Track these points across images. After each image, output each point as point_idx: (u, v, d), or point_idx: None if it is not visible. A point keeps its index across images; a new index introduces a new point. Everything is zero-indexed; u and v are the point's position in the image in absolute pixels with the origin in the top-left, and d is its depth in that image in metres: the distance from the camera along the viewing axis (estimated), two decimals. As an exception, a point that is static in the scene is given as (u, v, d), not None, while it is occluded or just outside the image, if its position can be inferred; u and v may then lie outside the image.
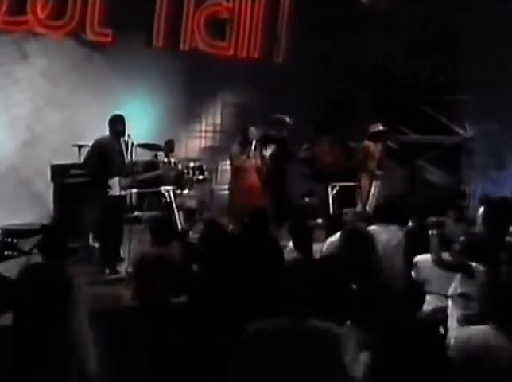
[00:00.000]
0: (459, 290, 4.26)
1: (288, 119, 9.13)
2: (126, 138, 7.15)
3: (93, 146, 7.12)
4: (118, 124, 7.11)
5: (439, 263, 4.61)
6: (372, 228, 5.43)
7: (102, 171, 6.99)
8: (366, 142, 9.03)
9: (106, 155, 6.99)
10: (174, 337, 4.10)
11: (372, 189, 8.73)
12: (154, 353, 4.18)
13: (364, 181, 8.91)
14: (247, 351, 2.92)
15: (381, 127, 9.04)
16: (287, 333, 2.90)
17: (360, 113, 10.69)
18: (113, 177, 7.00)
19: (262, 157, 8.46)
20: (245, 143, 8.20)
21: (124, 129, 7.12)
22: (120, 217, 7.23)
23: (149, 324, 4.33)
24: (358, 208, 8.73)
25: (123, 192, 7.16)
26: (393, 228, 5.54)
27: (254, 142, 8.29)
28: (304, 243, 5.05)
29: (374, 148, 9.00)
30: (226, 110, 11.07)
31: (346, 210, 7.66)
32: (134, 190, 7.82)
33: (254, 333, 2.94)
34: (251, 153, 8.26)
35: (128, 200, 7.49)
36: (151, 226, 5.49)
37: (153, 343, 4.28)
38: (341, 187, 9.11)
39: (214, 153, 10.65)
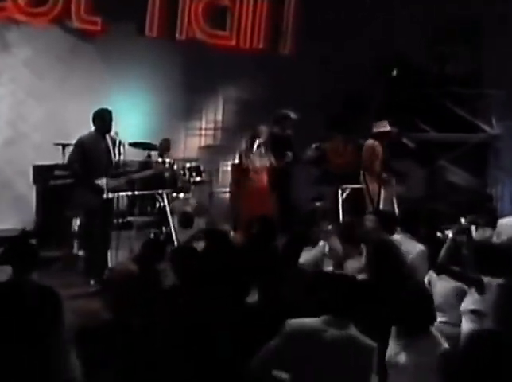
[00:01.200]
0: (471, 307, 4.37)
1: (292, 115, 9.17)
2: (113, 134, 7.19)
3: (75, 145, 7.15)
4: (103, 119, 7.11)
5: (442, 268, 4.62)
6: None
7: (86, 172, 7.01)
8: (371, 141, 9.01)
9: (90, 154, 7.01)
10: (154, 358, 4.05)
11: (382, 193, 8.73)
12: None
13: (372, 185, 8.88)
14: (285, 344, 3.39)
15: (388, 128, 9.01)
16: (326, 335, 3.36)
17: (375, 109, 10.75)
18: (99, 177, 7.04)
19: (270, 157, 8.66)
20: (253, 142, 8.40)
21: (110, 125, 7.12)
22: (107, 222, 7.25)
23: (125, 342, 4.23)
24: (369, 214, 8.54)
25: (111, 195, 7.16)
26: (410, 237, 5.65)
27: (258, 142, 8.46)
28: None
29: (379, 148, 8.97)
30: (228, 106, 11.09)
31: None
32: (124, 193, 7.85)
33: (294, 328, 3.42)
34: (261, 154, 8.42)
35: (117, 204, 7.49)
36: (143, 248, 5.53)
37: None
38: (351, 190, 9.15)
39: (214, 152, 10.66)
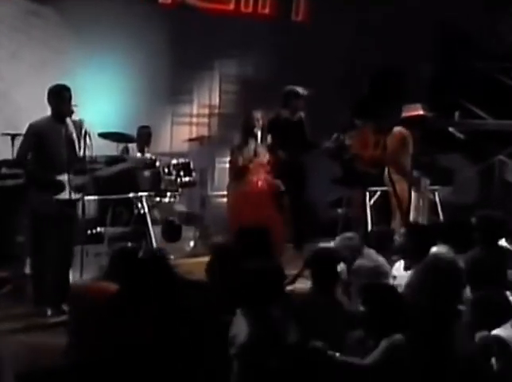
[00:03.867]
0: None
1: (301, 91, 9.12)
2: (78, 120, 7.12)
3: (26, 134, 7.06)
4: (60, 99, 6.97)
5: None
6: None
7: (40, 167, 6.95)
8: (399, 129, 8.96)
9: (45, 145, 6.94)
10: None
11: (413, 197, 8.69)
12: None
13: (401, 185, 8.79)
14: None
15: (420, 111, 9.00)
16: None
17: (415, 90, 10.64)
18: (58, 174, 6.96)
19: (272, 151, 8.56)
20: (248, 133, 8.34)
21: (69, 106, 6.99)
22: (69, 233, 7.16)
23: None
24: (395, 224, 8.68)
25: (74, 196, 7.06)
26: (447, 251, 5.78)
27: (259, 132, 8.38)
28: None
29: (410, 138, 8.90)
30: (226, 86, 11.13)
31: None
32: (92, 197, 7.87)
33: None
34: (258, 148, 8.36)
35: (83, 210, 7.38)
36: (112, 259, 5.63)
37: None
38: (382, 193, 9.23)
39: (208, 146, 10.52)
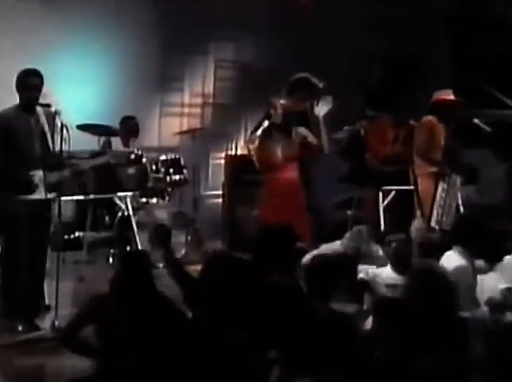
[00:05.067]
0: None
1: (316, 81, 8.96)
2: (53, 111, 6.97)
3: None
4: (29, 85, 6.89)
5: None
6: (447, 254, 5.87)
7: (7, 162, 6.86)
8: (429, 118, 8.79)
9: (13, 136, 6.87)
10: None
11: (438, 195, 8.54)
12: None
13: (426, 182, 8.63)
14: None
15: (452, 96, 8.81)
16: None
17: (434, 77, 10.56)
18: (29, 170, 6.88)
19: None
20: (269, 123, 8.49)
21: (38, 92, 6.91)
22: (43, 238, 7.11)
23: None
24: (417, 224, 8.57)
25: (48, 196, 6.96)
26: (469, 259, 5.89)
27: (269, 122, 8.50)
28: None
29: (440, 128, 8.73)
30: (221, 72, 11.12)
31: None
32: (71, 197, 7.91)
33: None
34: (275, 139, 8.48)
35: (59, 213, 7.23)
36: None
37: None
38: (397, 193, 9.20)
39: (201, 140, 10.50)
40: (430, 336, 4.63)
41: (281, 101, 8.58)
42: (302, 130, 8.57)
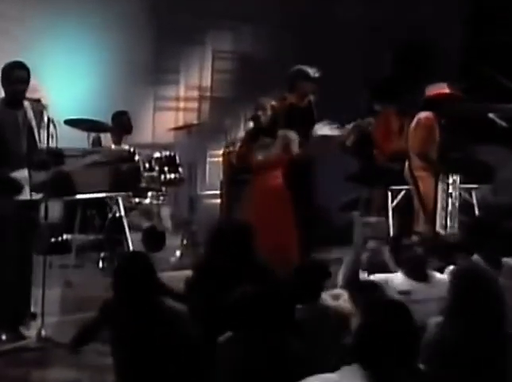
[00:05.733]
0: None
1: (311, 72, 8.98)
2: (40, 106, 6.98)
3: None
4: (15, 78, 6.85)
5: None
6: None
7: None
8: (424, 114, 8.85)
9: None
10: None
11: (439, 197, 8.56)
12: None
13: (425, 182, 8.69)
14: None
15: (446, 89, 8.85)
16: None
17: (445, 69, 10.61)
18: (14, 170, 6.84)
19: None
20: (257, 125, 8.41)
21: (24, 87, 6.88)
22: (29, 241, 7.09)
23: None
24: (418, 229, 8.63)
25: (35, 196, 6.93)
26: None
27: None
28: None
29: (435, 123, 8.78)
30: (219, 64, 11.16)
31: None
32: (58, 197, 7.86)
33: None
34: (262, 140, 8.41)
35: (46, 214, 7.13)
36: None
37: None
38: (407, 193, 9.18)
39: (198, 136, 10.50)
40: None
41: (272, 102, 8.48)
42: (290, 134, 8.43)
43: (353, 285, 5.92)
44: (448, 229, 8.16)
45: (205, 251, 6.36)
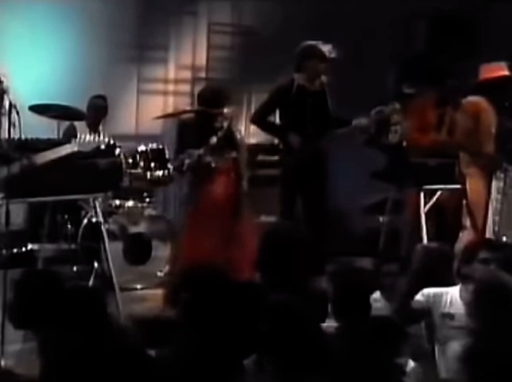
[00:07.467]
0: None
1: (327, 49, 8.96)
2: None
3: None
4: None
5: None
6: None
7: None
8: (474, 99, 8.74)
9: None
10: None
11: (493, 198, 8.48)
12: None
13: (475, 183, 8.56)
14: None
15: (506, 72, 8.74)
16: None
17: (493, 44, 10.64)
18: None
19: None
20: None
21: None
22: None
23: None
24: (465, 236, 8.53)
25: None
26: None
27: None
28: None
29: (490, 112, 8.64)
30: (216, 39, 11.25)
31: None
32: (22, 199, 7.93)
33: None
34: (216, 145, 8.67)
35: (7, 219, 7.21)
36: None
37: None
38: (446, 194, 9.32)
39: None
40: None
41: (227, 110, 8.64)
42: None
43: None
44: (504, 238, 8.08)
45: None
